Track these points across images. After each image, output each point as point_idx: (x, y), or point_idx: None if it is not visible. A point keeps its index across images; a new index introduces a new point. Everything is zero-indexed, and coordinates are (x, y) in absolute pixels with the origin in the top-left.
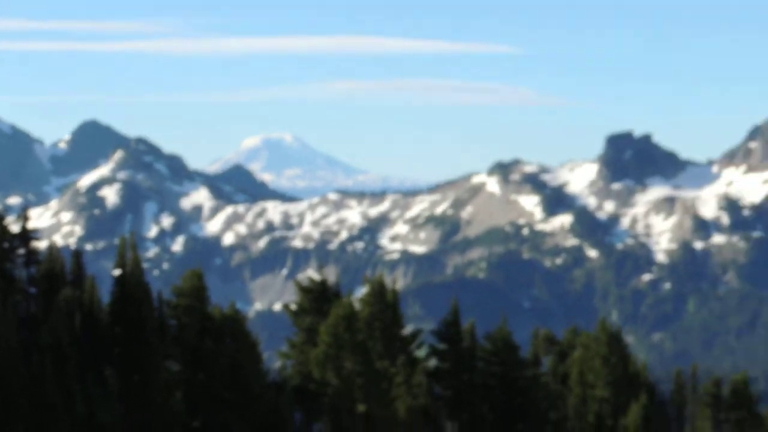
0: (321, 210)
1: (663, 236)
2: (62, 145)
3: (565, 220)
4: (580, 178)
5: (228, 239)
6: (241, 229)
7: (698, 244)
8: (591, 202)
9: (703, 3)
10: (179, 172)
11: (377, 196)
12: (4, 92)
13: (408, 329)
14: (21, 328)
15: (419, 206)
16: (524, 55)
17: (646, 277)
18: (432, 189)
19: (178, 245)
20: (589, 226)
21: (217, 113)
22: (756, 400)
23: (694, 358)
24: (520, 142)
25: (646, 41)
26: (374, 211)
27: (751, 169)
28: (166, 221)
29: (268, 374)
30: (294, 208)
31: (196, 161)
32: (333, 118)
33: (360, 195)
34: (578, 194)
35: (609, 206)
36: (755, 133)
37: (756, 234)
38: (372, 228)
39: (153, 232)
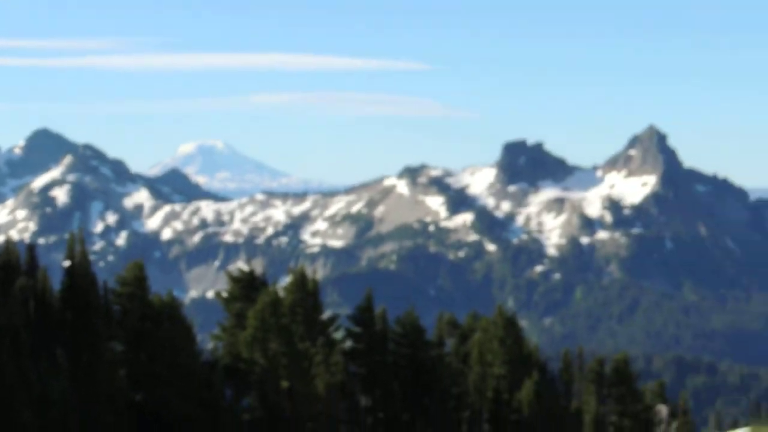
0: (249, 209)
1: (553, 232)
2: (17, 151)
3: (466, 218)
4: (479, 181)
5: (166, 234)
6: (178, 225)
7: (584, 240)
8: (489, 202)
9: (588, 22)
10: (122, 174)
11: (299, 196)
12: None
13: (327, 314)
14: None
15: (337, 206)
16: (431, 70)
17: (539, 268)
18: (348, 190)
19: (121, 240)
20: (487, 223)
21: (157, 122)
22: (635, 378)
23: (580, 340)
24: (427, 149)
25: (538, 60)
26: (297, 210)
27: (631, 173)
28: (111, 218)
29: (201, 354)
30: (225, 207)
31: (137, 165)
32: (260, 127)
33: (284, 195)
34: (478, 195)
35: (505, 206)
36: (634, 141)
37: (635, 231)
38: (295, 225)
39: (99, 228)
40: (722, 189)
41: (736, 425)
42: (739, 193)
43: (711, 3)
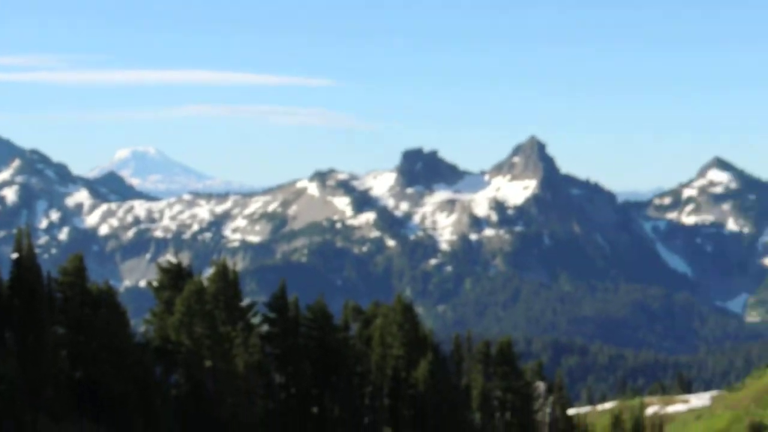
0: (177, 207)
1: (446, 230)
2: None
3: (369, 216)
4: (381, 184)
5: (103, 230)
6: (114, 222)
7: (473, 236)
8: (390, 203)
9: (476, 36)
10: (65, 176)
11: (222, 197)
12: None
13: (246, 302)
14: None
15: (255, 205)
16: (338, 86)
17: (432, 261)
18: (265, 191)
19: (63, 235)
20: (388, 221)
21: (95, 131)
22: (517, 358)
23: (469, 325)
24: (335, 155)
25: (435, 75)
26: (219, 209)
27: (514, 178)
28: (54, 216)
29: (134, 337)
30: (156, 206)
31: (78, 168)
32: (188, 135)
33: (208, 196)
34: (380, 197)
35: (404, 206)
36: (518, 150)
37: (517, 229)
38: (217, 222)
39: (44, 224)
40: (594, 192)
41: (604, 399)
42: (609, 196)
43: (583, 14)
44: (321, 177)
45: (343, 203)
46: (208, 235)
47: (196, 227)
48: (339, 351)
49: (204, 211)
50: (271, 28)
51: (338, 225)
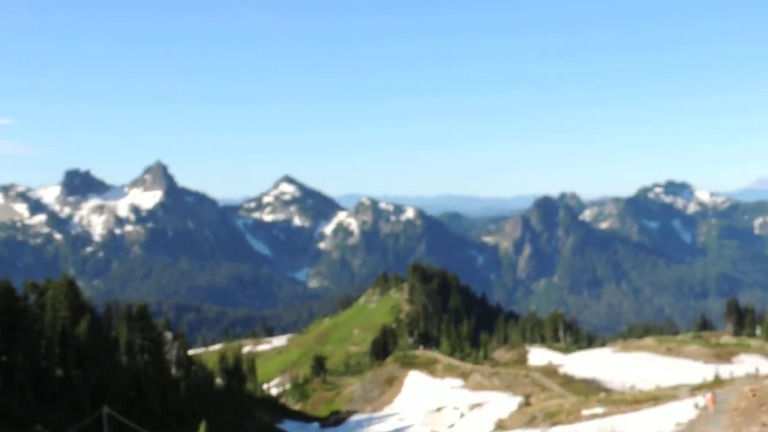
0: None
1: (98, 227)
2: None
3: (41, 218)
4: (50, 194)
5: None
6: None
7: (118, 231)
8: (57, 207)
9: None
10: None
11: None
12: None
13: None
14: None
15: None
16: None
17: (89, 249)
18: None
19: None
20: (55, 221)
21: None
22: (151, 317)
23: (116, 294)
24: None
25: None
26: None
27: (146, 189)
28: None
29: None
30: None
31: None
32: None
33: None
34: (49, 203)
35: (67, 210)
36: (148, 170)
37: (149, 225)
38: None
39: None
40: (202, 199)
41: (214, 343)
42: (212, 202)
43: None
44: (5, 189)
45: (22, 208)
46: None
47: None
48: (21, 315)
49: None
50: None
51: (18, 224)
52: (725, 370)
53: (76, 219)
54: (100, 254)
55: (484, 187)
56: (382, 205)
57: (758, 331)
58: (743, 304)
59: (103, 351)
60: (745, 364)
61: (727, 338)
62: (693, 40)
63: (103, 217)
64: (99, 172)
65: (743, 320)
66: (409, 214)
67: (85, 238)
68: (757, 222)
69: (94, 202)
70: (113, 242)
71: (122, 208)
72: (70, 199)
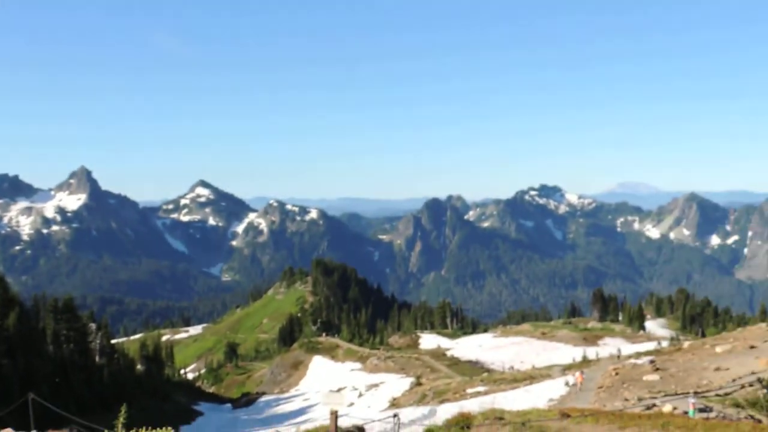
0: None
1: (26, 227)
2: None
3: None
4: None
5: None
6: None
7: (45, 231)
8: None
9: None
10: None
11: None
12: None
13: None
14: None
15: None
16: None
17: (18, 247)
18: None
19: None
20: None
21: None
22: (77, 309)
23: (44, 289)
24: None
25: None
26: None
27: (72, 192)
28: None
29: None
30: None
31: None
32: None
33: None
34: None
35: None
36: (73, 175)
37: (75, 225)
38: None
39: None
40: (124, 201)
41: (135, 332)
42: (133, 204)
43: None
44: None
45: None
46: None
47: None
48: None
49: None
50: None
51: None
52: (592, 352)
53: (5, 220)
54: (28, 252)
55: (380, 190)
56: (289, 207)
57: (620, 317)
58: (607, 293)
59: (31, 341)
60: (609, 347)
61: (593, 323)
62: (563, 65)
63: (31, 218)
64: (27, 177)
65: (607, 307)
66: (313, 214)
67: (14, 237)
68: (619, 221)
69: (22, 204)
70: (41, 241)
71: (49, 209)
72: (0, 201)
